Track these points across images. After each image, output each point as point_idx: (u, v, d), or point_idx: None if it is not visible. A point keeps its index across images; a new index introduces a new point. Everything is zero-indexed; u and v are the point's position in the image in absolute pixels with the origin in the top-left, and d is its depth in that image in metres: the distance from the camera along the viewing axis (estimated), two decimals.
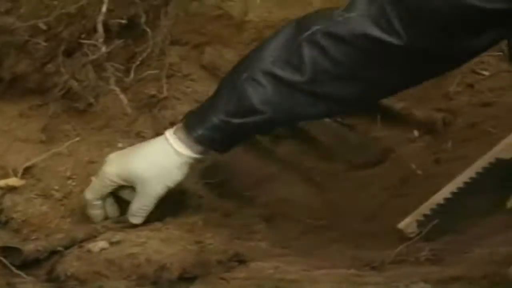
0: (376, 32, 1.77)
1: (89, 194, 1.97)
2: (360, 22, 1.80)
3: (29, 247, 1.88)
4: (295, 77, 1.83)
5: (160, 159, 1.94)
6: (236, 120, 1.87)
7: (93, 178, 2.01)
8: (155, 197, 1.96)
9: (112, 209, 2.00)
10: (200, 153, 1.93)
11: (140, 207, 1.95)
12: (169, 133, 1.93)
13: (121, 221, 2.02)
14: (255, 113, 1.87)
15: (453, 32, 1.76)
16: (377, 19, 1.78)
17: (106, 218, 2.02)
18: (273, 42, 1.89)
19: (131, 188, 1.97)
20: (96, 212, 1.98)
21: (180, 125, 1.93)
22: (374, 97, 2.00)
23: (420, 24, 1.75)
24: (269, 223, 2.13)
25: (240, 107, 1.87)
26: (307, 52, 1.82)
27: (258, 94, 1.85)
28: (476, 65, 2.41)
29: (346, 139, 2.37)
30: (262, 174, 2.33)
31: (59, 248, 1.89)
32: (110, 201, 1.99)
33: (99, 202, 1.98)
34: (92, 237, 1.94)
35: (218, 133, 1.90)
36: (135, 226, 2.01)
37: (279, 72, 1.83)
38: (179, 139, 1.90)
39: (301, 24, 1.88)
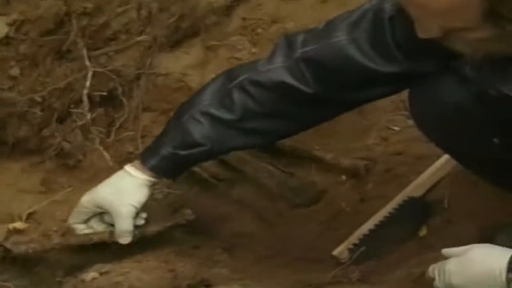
0: (291, 81, 1.86)
1: (70, 219, 2.02)
2: (278, 72, 1.88)
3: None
4: (228, 116, 1.91)
5: (119, 183, 2.00)
6: (182, 152, 1.94)
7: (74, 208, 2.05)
8: (126, 217, 2.00)
9: (99, 227, 2.04)
10: (154, 177, 2.00)
11: (120, 229, 1.99)
12: (127, 166, 2.00)
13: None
14: (197, 146, 1.93)
15: (351, 87, 1.87)
16: (292, 71, 1.88)
17: None
18: (208, 88, 1.98)
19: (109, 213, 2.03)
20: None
21: (136, 159, 2.01)
22: (292, 130, 2.04)
23: (326, 80, 1.86)
24: (229, 253, 2.20)
25: (184, 142, 1.93)
26: (237, 96, 1.90)
27: (199, 130, 1.92)
28: (389, 122, 2.46)
29: (287, 183, 2.40)
30: (221, 213, 2.38)
31: (59, 279, 1.98)
32: (95, 222, 2.05)
33: (80, 226, 2.04)
34: (85, 266, 2.00)
35: (167, 163, 1.96)
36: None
37: (214, 112, 1.92)
38: (135, 167, 1.97)
39: (230, 74, 1.97)
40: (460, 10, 1.49)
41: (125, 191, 2.00)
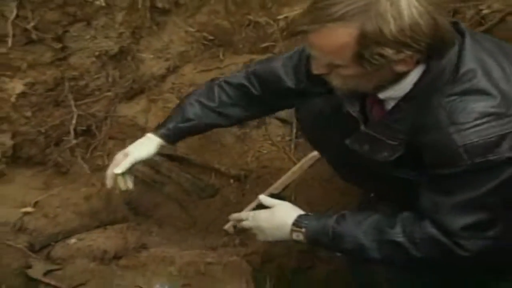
0: (247, 84, 1.95)
1: (109, 171, 1.96)
2: (240, 78, 1.97)
3: (39, 240, 2.17)
4: (210, 104, 1.98)
5: (139, 142, 2.00)
6: (180, 125, 1.99)
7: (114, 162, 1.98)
8: (134, 159, 1.97)
9: (130, 179, 1.98)
10: (162, 142, 1.99)
11: (123, 163, 1.94)
12: (148, 133, 2.02)
13: None
14: (190, 120, 1.99)
15: (277, 96, 1.94)
16: (248, 78, 1.96)
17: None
18: (199, 89, 2.04)
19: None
20: (122, 184, 1.97)
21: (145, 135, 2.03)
22: (244, 118, 2.07)
23: (265, 88, 1.94)
24: (160, 227, 2.41)
25: (183, 117, 1.98)
26: (216, 90, 1.98)
27: (192, 110, 1.98)
28: (260, 148, 2.54)
29: (197, 184, 2.52)
30: (155, 202, 2.49)
31: (51, 243, 2.14)
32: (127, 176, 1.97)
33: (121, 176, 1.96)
34: (70, 235, 2.18)
35: (171, 132, 2.00)
36: None
37: (203, 100, 1.98)
38: (152, 134, 2.00)
39: (214, 78, 2.04)
40: (339, 51, 1.48)
41: (138, 146, 2.00)
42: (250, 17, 2.49)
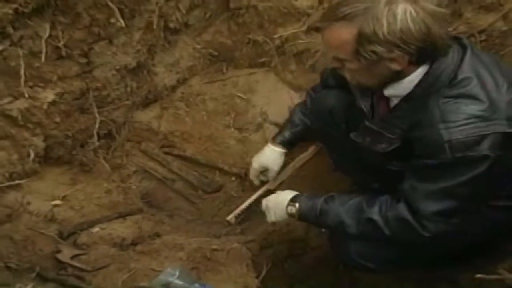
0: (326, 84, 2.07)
1: (250, 176, 2.24)
2: (319, 86, 2.10)
3: (67, 229, 2.19)
4: (305, 110, 2.12)
5: (263, 151, 2.21)
6: (292, 130, 2.17)
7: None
8: (253, 170, 2.22)
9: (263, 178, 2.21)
10: (281, 148, 2.19)
11: (251, 176, 2.21)
12: (269, 143, 2.21)
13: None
14: (297, 126, 2.17)
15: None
16: (327, 78, 2.06)
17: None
18: (301, 102, 2.20)
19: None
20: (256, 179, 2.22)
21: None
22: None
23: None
24: (171, 218, 2.46)
25: (291, 123, 2.17)
26: (308, 96, 2.15)
27: (298, 118, 2.17)
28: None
29: (203, 181, 2.54)
30: (167, 197, 2.53)
31: (77, 231, 2.18)
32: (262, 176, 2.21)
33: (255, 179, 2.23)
34: (93, 225, 2.21)
35: (286, 139, 2.19)
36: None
37: (303, 110, 2.14)
38: (271, 143, 2.19)
39: (308, 90, 2.15)
40: (342, 46, 1.57)
41: (261, 156, 2.22)
42: (250, 36, 2.51)
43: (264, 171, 2.23)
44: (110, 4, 2.13)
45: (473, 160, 1.56)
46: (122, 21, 2.18)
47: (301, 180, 2.43)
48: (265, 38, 2.47)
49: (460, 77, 1.58)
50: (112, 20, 2.18)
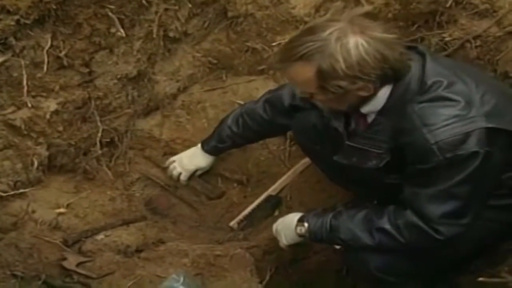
0: (261, 113, 2.14)
1: (181, 178, 2.35)
2: (256, 107, 2.16)
3: (71, 236, 2.15)
4: (236, 130, 2.20)
5: (192, 152, 2.30)
6: (219, 145, 2.25)
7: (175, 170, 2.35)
8: (186, 171, 2.33)
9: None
10: (209, 154, 2.28)
11: (181, 178, 2.31)
12: (199, 145, 2.29)
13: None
14: (224, 142, 2.25)
15: (280, 118, 2.11)
16: (263, 107, 2.14)
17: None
18: (231, 114, 2.23)
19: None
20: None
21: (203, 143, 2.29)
22: (263, 137, 2.30)
23: (272, 117, 2.11)
24: (174, 225, 2.42)
25: (219, 138, 2.24)
26: (240, 119, 2.19)
27: (225, 134, 2.21)
28: (258, 156, 2.53)
29: (206, 187, 2.55)
30: (170, 203, 2.52)
31: (82, 239, 2.14)
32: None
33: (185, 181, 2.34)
34: (97, 232, 2.17)
35: (212, 148, 2.28)
36: None
37: (232, 127, 2.21)
38: (200, 148, 2.27)
39: (241, 107, 2.23)
40: (306, 83, 1.61)
41: (191, 155, 2.32)
42: (248, 44, 2.52)
43: (196, 171, 2.36)
44: (110, 14, 2.14)
45: (464, 158, 1.57)
46: (122, 30, 2.20)
47: (302, 185, 2.44)
48: (264, 46, 2.48)
49: (429, 82, 1.60)
50: (113, 30, 2.19)
